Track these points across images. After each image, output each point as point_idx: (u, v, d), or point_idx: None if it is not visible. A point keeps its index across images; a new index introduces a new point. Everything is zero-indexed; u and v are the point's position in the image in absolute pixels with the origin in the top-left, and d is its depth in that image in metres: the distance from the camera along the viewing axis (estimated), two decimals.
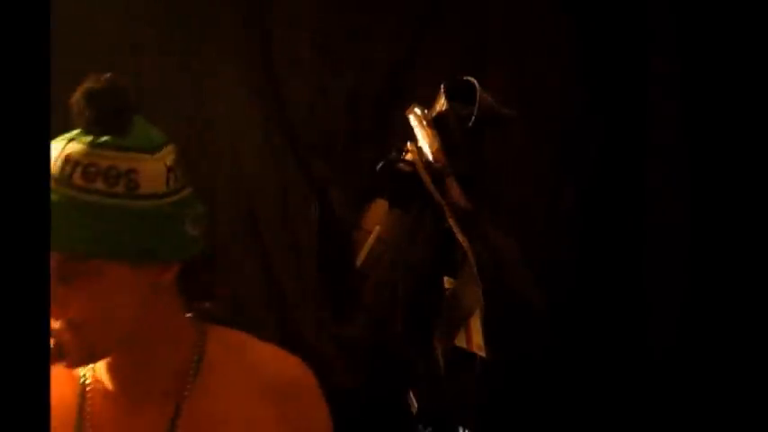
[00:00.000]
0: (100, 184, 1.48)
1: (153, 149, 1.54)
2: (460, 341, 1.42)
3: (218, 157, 2.59)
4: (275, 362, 1.65)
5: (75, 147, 1.50)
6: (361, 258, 1.66)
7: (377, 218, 1.68)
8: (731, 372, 2.70)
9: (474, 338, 1.42)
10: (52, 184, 1.48)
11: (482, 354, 1.42)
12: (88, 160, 1.49)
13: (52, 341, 1.49)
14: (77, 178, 1.48)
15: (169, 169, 1.54)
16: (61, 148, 1.50)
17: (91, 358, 1.55)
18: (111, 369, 1.60)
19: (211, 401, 1.60)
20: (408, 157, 1.63)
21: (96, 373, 1.62)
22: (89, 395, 1.62)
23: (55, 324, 1.50)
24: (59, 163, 1.49)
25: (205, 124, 2.61)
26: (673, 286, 2.90)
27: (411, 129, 1.61)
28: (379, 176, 1.70)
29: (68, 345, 1.51)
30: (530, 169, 2.89)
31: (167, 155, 1.55)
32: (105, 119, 1.51)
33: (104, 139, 1.50)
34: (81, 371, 1.63)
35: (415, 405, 1.42)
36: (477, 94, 1.59)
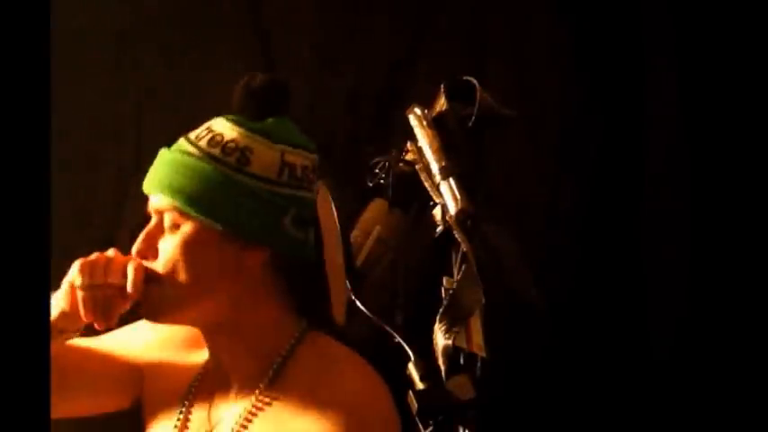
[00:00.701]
0: (216, 151, 1.65)
1: (275, 140, 1.69)
2: (460, 341, 1.42)
3: None
4: (348, 387, 1.65)
5: (219, 120, 1.70)
6: (360, 259, 1.66)
7: (377, 218, 1.68)
8: (732, 372, 2.70)
9: (474, 338, 1.42)
10: (185, 142, 1.69)
11: (482, 354, 1.42)
12: (218, 131, 1.68)
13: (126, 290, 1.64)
14: (203, 142, 1.67)
15: (285, 163, 1.68)
16: (213, 120, 1.71)
17: (161, 311, 1.67)
18: (211, 352, 1.74)
19: (275, 409, 1.65)
20: (408, 157, 1.63)
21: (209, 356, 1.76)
22: (202, 371, 1.77)
23: (136, 270, 1.64)
24: (202, 129, 1.71)
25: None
26: (673, 286, 2.90)
27: (411, 129, 1.61)
28: (379, 176, 1.70)
29: (142, 293, 1.64)
30: (530, 169, 2.89)
31: (292, 153, 1.70)
32: (248, 106, 1.70)
33: (239, 119, 1.70)
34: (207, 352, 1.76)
35: (415, 405, 1.42)
36: (477, 94, 1.59)
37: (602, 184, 2.93)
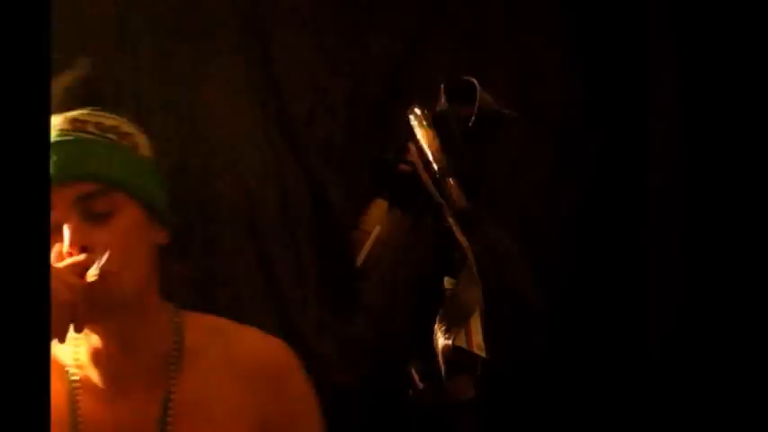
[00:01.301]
0: (112, 135, 1.61)
1: (135, 127, 1.67)
2: (460, 341, 1.42)
3: (218, 158, 2.59)
4: (253, 343, 1.68)
5: (80, 112, 1.62)
6: (361, 258, 1.66)
7: (377, 218, 1.68)
8: (731, 374, 2.70)
9: (474, 338, 1.42)
10: (65, 132, 1.59)
11: (482, 354, 1.42)
12: (96, 120, 1.62)
13: (66, 298, 1.49)
14: (92, 128, 1.60)
15: (150, 148, 1.67)
16: (61, 116, 1.61)
17: (107, 308, 1.55)
18: (98, 360, 1.61)
19: (195, 388, 1.62)
20: (408, 157, 1.63)
21: (84, 368, 1.63)
22: (79, 391, 1.62)
23: (75, 277, 1.51)
24: (67, 119, 1.61)
25: (204, 124, 2.61)
26: (672, 287, 2.89)
27: (411, 129, 1.61)
28: (379, 176, 1.70)
29: (85, 293, 1.51)
30: (530, 169, 2.89)
31: None
32: (80, 98, 1.69)
33: (98, 109, 1.64)
34: (68, 368, 1.63)
35: (416, 405, 1.42)
36: (478, 94, 1.59)
37: (602, 184, 2.93)
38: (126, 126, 1.65)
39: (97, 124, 1.61)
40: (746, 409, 2.64)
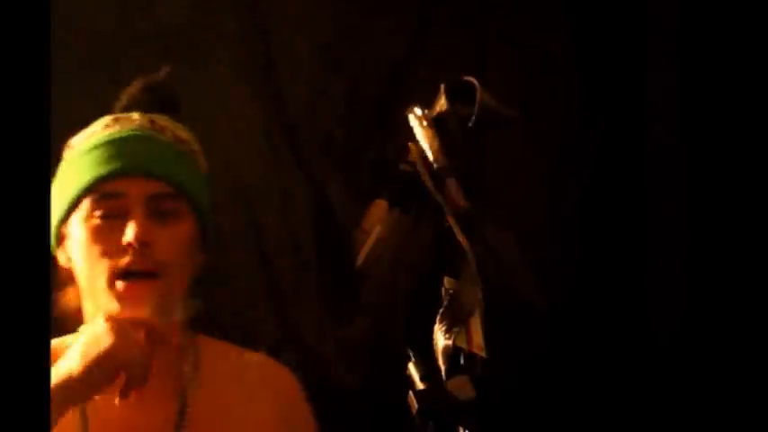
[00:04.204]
0: (184, 147, 1.64)
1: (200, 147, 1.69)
2: (460, 341, 1.42)
3: (218, 158, 2.59)
4: (263, 369, 1.69)
5: (157, 115, 1.63)
6: (361, 258, 1.66)
7: (377, 218, 1.67)
8: (733, 375, 2.70)
9: (474, 338, 1.42)
10: (144, 129, 1.61)
11: (482, 354, 1.42)
12: (173, 128, 1.64)
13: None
14: (169, 134, 1.62)
15: None
16: (140, 114, 1.62)
17: (162, 311, 1.56)
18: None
19: (211, 398, 1.62)
20: (408, 157, 1.63)
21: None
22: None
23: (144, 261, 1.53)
24: (147, 118, 1.62)
25: (205, 124, 2.61)
26: (674, 285, 2.89)
27: (411, 129, 1.61)
28: (379, 176, 1.70)
29: (148, 292, 1.54)
30: (530, 169, 2.89)
31: None
32: (166, 103, 1.67)
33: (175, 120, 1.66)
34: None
35: (416, 405, 1.42)
36: (478, 94, 1.59)
37: (602, 183, 2.93)
38: (195, 142, 1.67)
39: (174, 132, 1.63)
40: (747, 410, 2.64)
